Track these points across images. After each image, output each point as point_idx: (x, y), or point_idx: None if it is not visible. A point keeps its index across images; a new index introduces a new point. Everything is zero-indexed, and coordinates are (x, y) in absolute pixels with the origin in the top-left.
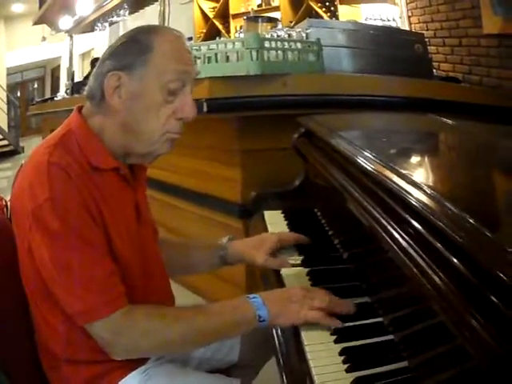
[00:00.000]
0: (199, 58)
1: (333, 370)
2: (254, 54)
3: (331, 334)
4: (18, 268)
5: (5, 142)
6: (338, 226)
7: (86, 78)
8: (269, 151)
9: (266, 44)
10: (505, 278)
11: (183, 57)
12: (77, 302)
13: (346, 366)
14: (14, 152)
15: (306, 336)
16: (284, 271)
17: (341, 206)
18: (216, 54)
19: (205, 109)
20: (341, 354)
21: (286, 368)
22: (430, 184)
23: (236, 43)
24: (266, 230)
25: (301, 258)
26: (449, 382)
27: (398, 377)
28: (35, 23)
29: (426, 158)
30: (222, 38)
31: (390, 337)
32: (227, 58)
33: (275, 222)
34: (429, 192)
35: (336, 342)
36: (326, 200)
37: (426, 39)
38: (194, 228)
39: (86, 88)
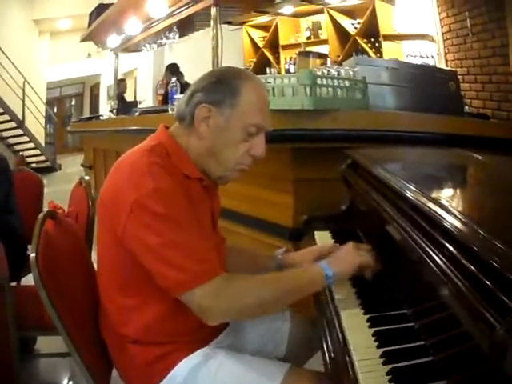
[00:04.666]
0: None
1: (367, 345)
2: (308, 89)
3: (366, 321)
4: (86, 264)
5: (42, 158)
6: (377, 244)
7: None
8: (319, 181)
9: (318, 81)
10: None
11: (264, 108)
12: (181, 273)
13: (376, 343)
14: (51, 169)
15: (346, 321)
16: None
17: (380, 226)
18: (273, 88)
19: None
20: (373, 335)
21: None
22: (461, 209)
23: (291, 79)
24: None
25: None
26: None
27: (416, 352)
28: (83, 40)
29: (456, 188)
30: (272, 69)
31: (412, 324)
32: (283, 91)
33: (324, 240)
34: (460, 217)
35: (370, 327)
36: (367, 222)
37: (460, 76)
38: None
39: (175, 110)
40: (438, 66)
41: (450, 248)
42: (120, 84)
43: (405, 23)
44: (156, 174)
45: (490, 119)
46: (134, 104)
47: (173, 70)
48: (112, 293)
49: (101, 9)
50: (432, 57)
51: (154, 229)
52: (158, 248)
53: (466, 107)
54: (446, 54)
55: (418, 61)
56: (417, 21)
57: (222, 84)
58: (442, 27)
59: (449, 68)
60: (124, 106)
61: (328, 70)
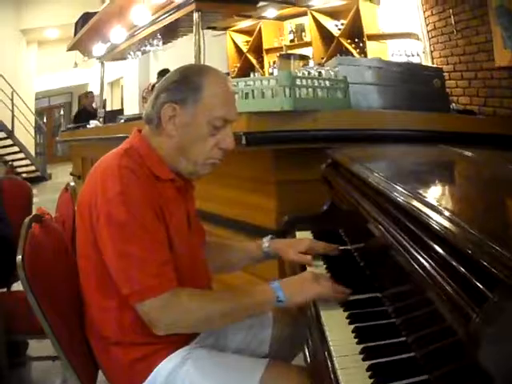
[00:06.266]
0: (237, 93)
1: (347, 342)
2: (287, 91)
3: (346, 318)
4: (72, 267)
5: (32, 168)
6: (359, 242)
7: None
8: (301, 182)
9: (298, 82)
10: None
11: (228, 100)
12: (133, 284)
13: (356, 339)
14: (41, 179)
15: (326, 318)
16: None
17: (360, 224)
18: (253, 91)
19: (243, 142)
20: (353, 331)
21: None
22: (442, 205)
23: (271, 80)
24: None
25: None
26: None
27: (396, 347)
28: (69, 49)
29: (438, 184)
30: (256, 73)
31: (393, 320)
32: (263, 94)
33: None
34: (441, 212)
35: (350, 323)
36: (348, 221)
37: (446, 73)
38: None
39: (144, 113)
40: (423, 63)
41: (430, 242)
42: (84, 97)
43: (390, 22)
44: (124, 179)
45: (477, 115)
46: (119, 112)
47: (165, 74)
48: (93, 295)
49: (86, 17)
50: (418, 55)
51: (114, 235)
52: (116, 256)
53: (453, 104)
54: (431, 51)
55: (404, 59)
56: (402, 20)
57: (184, 82)
58: (426, 25)
59: (434, 65)
60: (110, 115)
61: (308, 71)
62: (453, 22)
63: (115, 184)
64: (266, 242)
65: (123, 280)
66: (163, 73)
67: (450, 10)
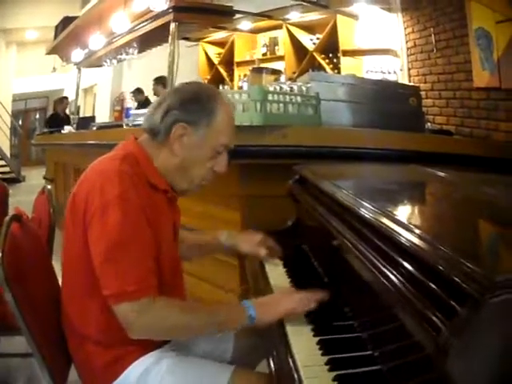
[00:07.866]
0: None
1: (312, 353)
2: (258, 105)
3: (311, 330)
4: (49, 267)
5: (7, 169)
6: (323, 258)
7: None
8: (267, 197)
9: (270, 97)
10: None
11: (233, 129)
12: (113, 286)
13: (321, 351)
14: (15, 180)
15: (291, 329)
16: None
17: (326, 240)
18: None
19: None
20: (317, 343)
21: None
22: (410, 221)
23: (242, 95)
24: (261, 262)
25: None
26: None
27: (360, 361)
28: (48, 53)
29: (407, 202)
30: (226, 86)
31: (358, 334)
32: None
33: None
34: (409, 228)
35: (314, 335)
36: (314, 237)
37: (424, 92)
38: (196, 264)
39: (146, 123)
40: (400, 81)
41: (399, 258)
42: (59, 102)
43: (367, 38)
44: (123, 183)
45: (454, 135)
46: (92, 119)
47: (161, 81)
48: (76, 294)
49: (66, 22)
50: (394, 72)
51: (105, 237)
52: (102, 257)
53: (428, 124)
54: (409, 69)
55: (379, 76)
56: (380, 36)
57: (198, 104)
58: (406, 42)
59: (411, 83)
60: (83, 121)
61: (280, 86)
62: (433, 41)
63: (114, 187)
64: (225, 233)
65: (105, 281)
66: (159, 80)
67: (432, 29)
